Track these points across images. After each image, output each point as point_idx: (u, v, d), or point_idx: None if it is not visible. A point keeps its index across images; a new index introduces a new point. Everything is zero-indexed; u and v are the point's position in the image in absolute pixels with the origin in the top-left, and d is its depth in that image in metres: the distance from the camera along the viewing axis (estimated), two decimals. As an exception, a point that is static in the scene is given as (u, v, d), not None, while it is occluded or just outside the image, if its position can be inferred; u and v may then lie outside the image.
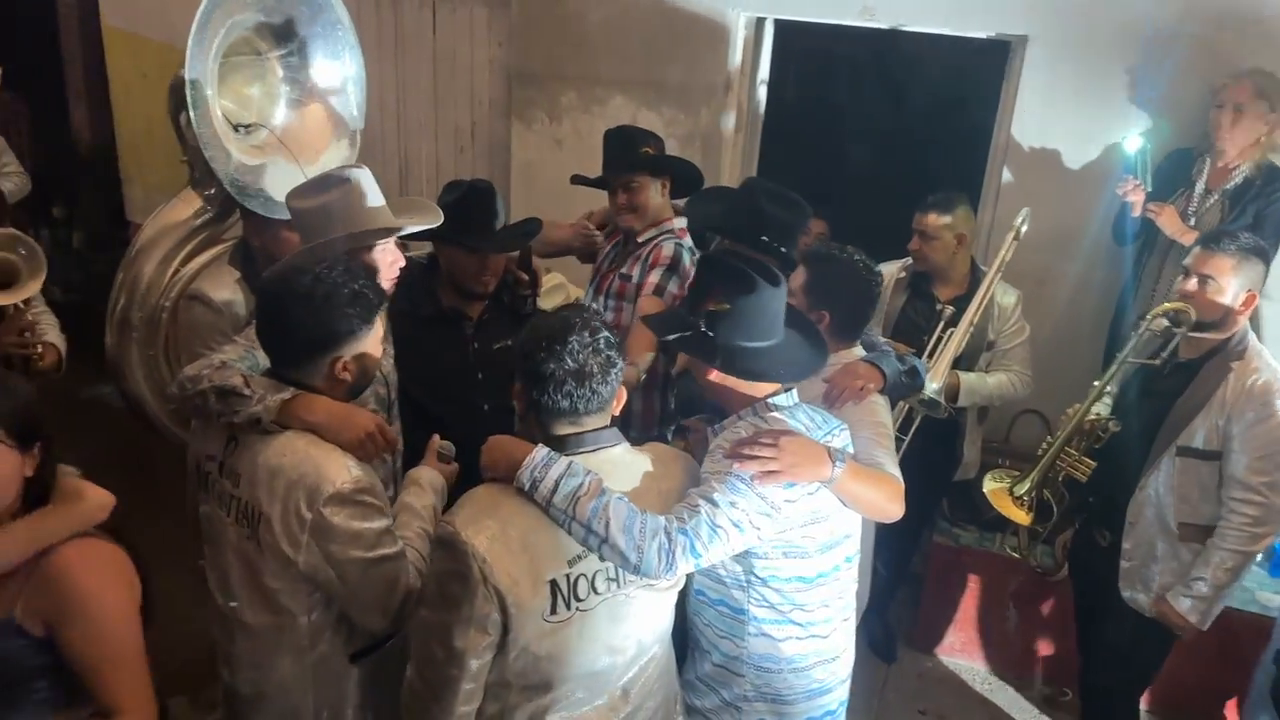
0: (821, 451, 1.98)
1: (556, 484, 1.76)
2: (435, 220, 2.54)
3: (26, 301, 3.12)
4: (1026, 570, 3.55)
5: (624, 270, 3.13)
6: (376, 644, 2.14)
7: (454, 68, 4.69)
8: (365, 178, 2.40)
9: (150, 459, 4.44)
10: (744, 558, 2.01)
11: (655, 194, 3.11)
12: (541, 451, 1.79)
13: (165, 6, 4.99)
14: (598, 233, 3.38)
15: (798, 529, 2.00)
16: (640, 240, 3.12)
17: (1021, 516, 2.97)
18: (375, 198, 2.41)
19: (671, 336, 2.04)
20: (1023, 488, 2.96)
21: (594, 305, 3.19)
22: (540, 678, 1.82)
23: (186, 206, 3.01)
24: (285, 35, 2.96)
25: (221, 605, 2.12)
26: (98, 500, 1.95)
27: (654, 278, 3.02)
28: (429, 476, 2.21)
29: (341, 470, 1.93)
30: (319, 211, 2.35)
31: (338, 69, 3.06)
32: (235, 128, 2.89)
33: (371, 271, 2.33)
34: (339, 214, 2.35)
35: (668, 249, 3.06)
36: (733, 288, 2.00)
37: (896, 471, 2.18)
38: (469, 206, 2.76)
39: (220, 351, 2.20)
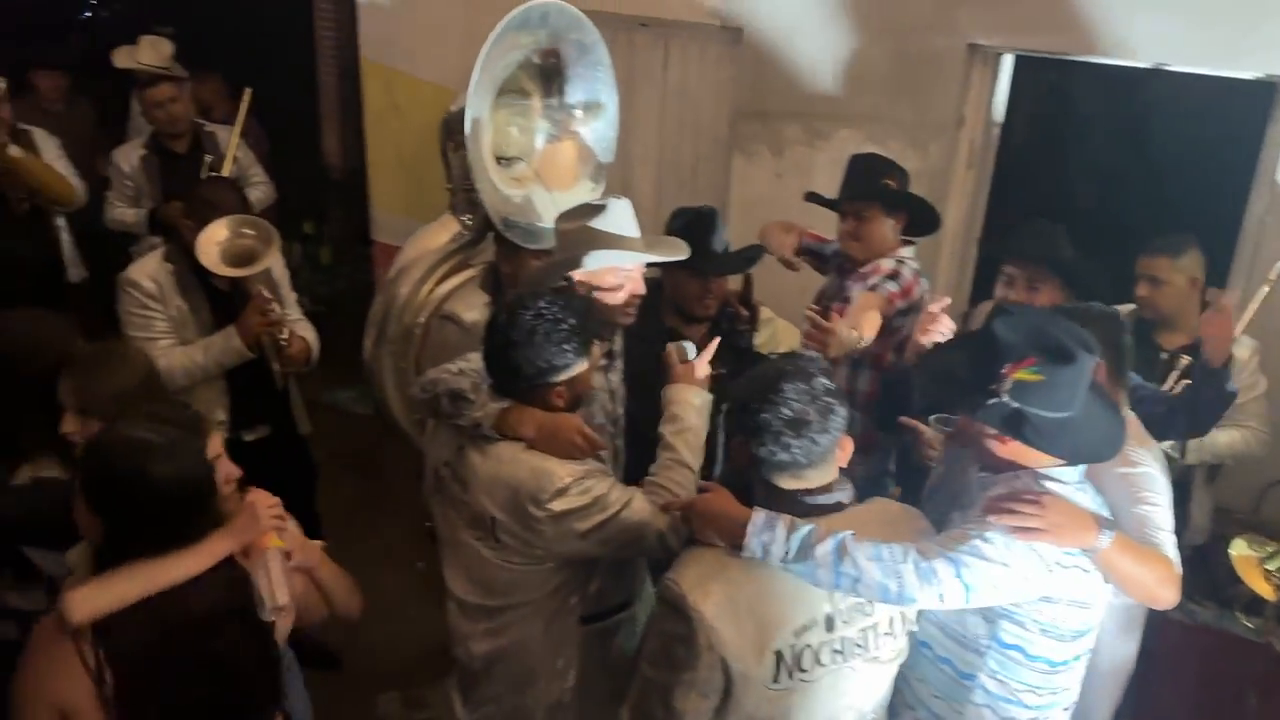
0: (1088, 517, 1.85)
1: (788, 540, 1.72)
2: (682, 254, 2.61)
3: (275, 293, 3.35)
4: (1274, 657, 3.23)
5: (846, 295, 3.09)
6: (606, 611, 2.29)
7: (682, 102, 4.79)
8: (624, 207, 2.53)
9: (382, 463, 4.74)
10: (995, 620, 1.91)
11: (885, 228, 3.05)
12: (760, 516, 1.76)
13: (418, 44, 5.35)
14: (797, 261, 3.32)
15: (1064, 606, 1.88)
16: (862, 270, 3.08)
17: (1268, 590, 2.74)
18: (631, 227, 2.53)
19: (980, 414, 1.87)
20: (1277, 563, 2.72)
21: None
22: None
23: (445, 231, 3.24)
24: (550, 76, 3.13)
25: (462, 597, 2.26)
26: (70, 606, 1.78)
27: (872, 281, 3.00)
28: (677, 397, 2.26)
29: (556, 469, 2.04)
30: (579, 233, 2.50)
31: (595, 109, 3.21)
32: (498, 160, 3.08)
33: (597, 301, 2.45)
34: (596, 238, 2.48)
35: (888, 264, 3.03)
36: (1052, 358, 1.83)
37: (1174, 553, 2.02)
38: (694, 231, 2.83)
39: (461, 360, 2.34)
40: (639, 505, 2.08)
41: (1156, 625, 3.57)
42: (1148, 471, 2.19)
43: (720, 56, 4.63)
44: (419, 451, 3.33)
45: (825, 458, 1.82)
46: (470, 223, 3.14)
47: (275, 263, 3.35)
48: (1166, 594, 1.96)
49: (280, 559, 1.98)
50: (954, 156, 4.15)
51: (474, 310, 2.94)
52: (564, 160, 3.24)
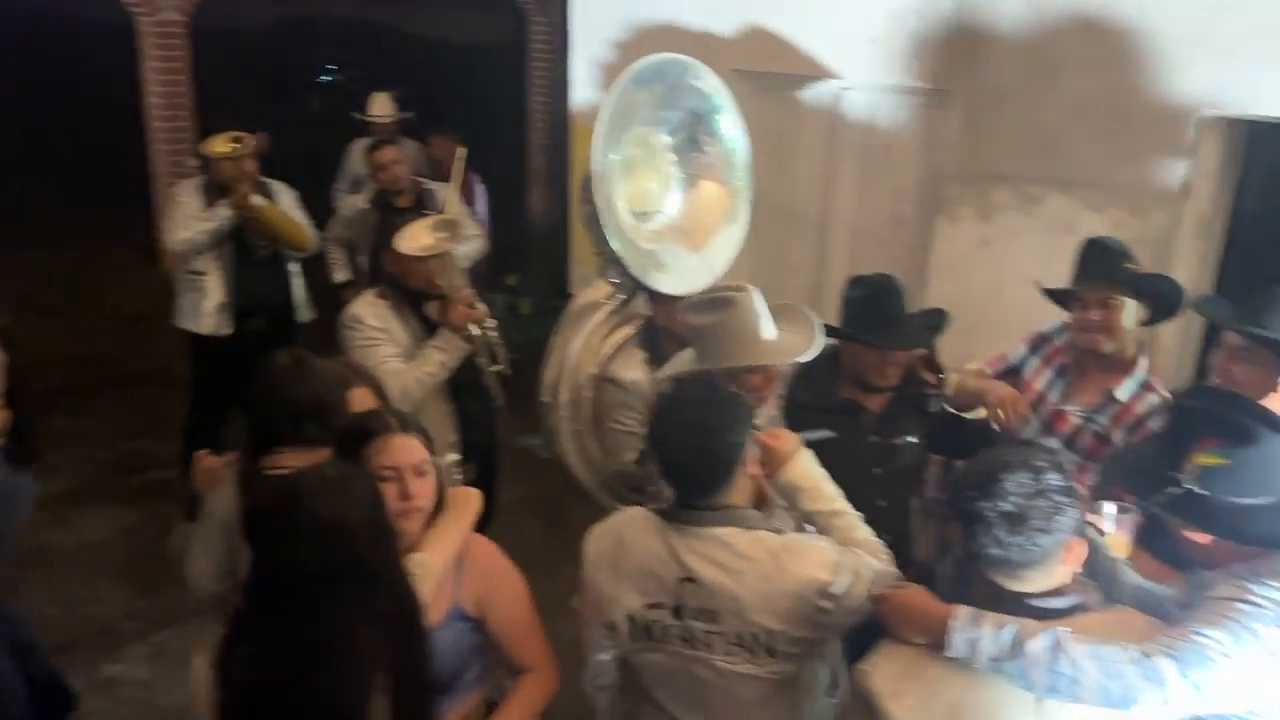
0: None
1: (996, 639, 1.61)
2: (810, 346, 2.55)
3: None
4: None
5: (1099, 429, 2.80)
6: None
7: (883, 167, 4.73)
8: (752, 301, 2.52)
9: (567, 510, 4.81)
10: None
11: (1131, 316, 2.77)
12: (964, 611, 1.66)
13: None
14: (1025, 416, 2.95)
15: None
16: (1120, 396, 2.78)
17: None
18: (758, 320, 2.52)
19: (1157, 503, 1.77)
20: None
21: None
22: None
23: (598, 293, 3.29)
24: (675, 125, 3.19)
25: None
26: (477, 495, 2.27)
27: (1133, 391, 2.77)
28: (797, 472, 2.22)
29: (820, 554, 1.99)
30: (712, 330, 2.52)
31: (724, 152, 3.24)
32: (636, 216, 3.14)
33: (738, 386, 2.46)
34: (728, 335, 2.50)
35: (1143, 363, 2.78)
36: (1235, 440, 1.72)
37: None
38: (872, 302, 2.75)
39: None
40: (871, 562, 2.04)
41: None
42: None
43: (927, 119, 4.56)
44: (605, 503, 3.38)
45: (1046, 560, 1.70)
46: (617, 281, 3.19)
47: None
48: None
49: None
50: (1179, 225, 3.90)
51: (632, 369, 2.96)
52: (704, 204, 3.27)
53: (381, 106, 6.07)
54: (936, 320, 2.85)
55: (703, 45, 4.89)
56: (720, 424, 2.00)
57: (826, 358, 2.93)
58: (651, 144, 3.20)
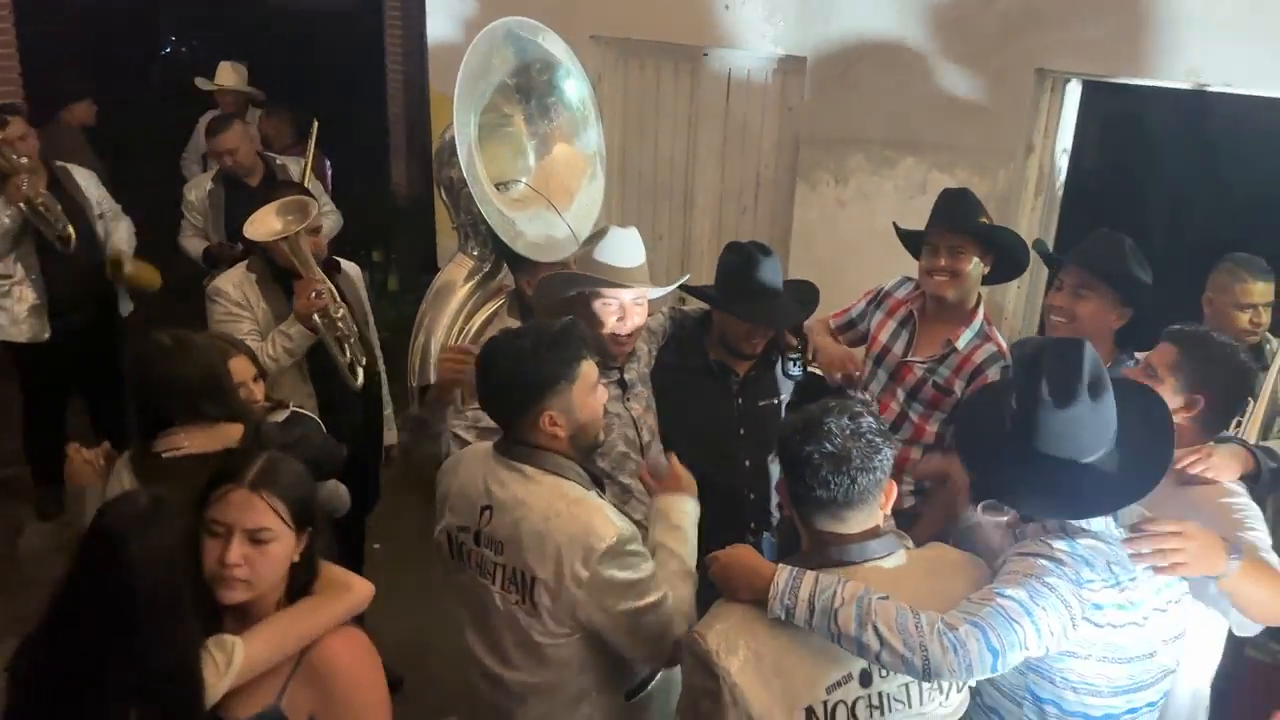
0: (1220, 543, 1.82)
1: (811, 604, 1.67)
2: (645, 286, 2.63)
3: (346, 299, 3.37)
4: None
5: (940, 380, 2.92)
6: (645, 681, 2.22)
7: (744, 133, 4.80)
8: (622, 236, 2.60)
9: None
10: (1027, 674, 1.84)
11: (977, 268, 2.88)
12: (784, 574, 1.72)
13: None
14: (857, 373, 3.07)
15: (1094, 661, 1.81)
16: (959, 346, 2.90)
17: None
18: (624, 257, 2.58)
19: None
20: None
21: (890, 400, 3.01)
22: None
23: (460, 269, 3.25)
24: (527, 93, 3.19)
25: (494, 669, 2.16)
26: (365, 591, 1.95)
27: (972, 344, 2.89)
28: (676, 506, 2.20)
29: (606, 524, 1.98)
30: (580, 259, 2.63)
31: (575, 115, 3.27)
32: (497, 186, 3.12)
33: (594, 323, 2.51)
34: (580, 262, 2.62)
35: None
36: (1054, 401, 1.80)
37: None
38: (745, 272, 2.77)
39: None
40: (670, 606, 2.01)
41: (1234, 665, 3.45)
42: (1248, 500, 2.12)
43: (783, 85, 4.64)
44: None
45: (865, 499, 1.76)
46: (478, 254, 3.16)
47: (355, 278, 3.56)
48: None
49: None
50: (1023, 183, 4.09)
51: None
52: (561, 166, 3.29)
53: (228, 75, 5.82)
54: (808, 296, 2.92)
55: (562, 11, 4.85)
56: (516, 357, 2.03)
57: (697, 322, 2.98)
58: (505, 112, 3.17)
